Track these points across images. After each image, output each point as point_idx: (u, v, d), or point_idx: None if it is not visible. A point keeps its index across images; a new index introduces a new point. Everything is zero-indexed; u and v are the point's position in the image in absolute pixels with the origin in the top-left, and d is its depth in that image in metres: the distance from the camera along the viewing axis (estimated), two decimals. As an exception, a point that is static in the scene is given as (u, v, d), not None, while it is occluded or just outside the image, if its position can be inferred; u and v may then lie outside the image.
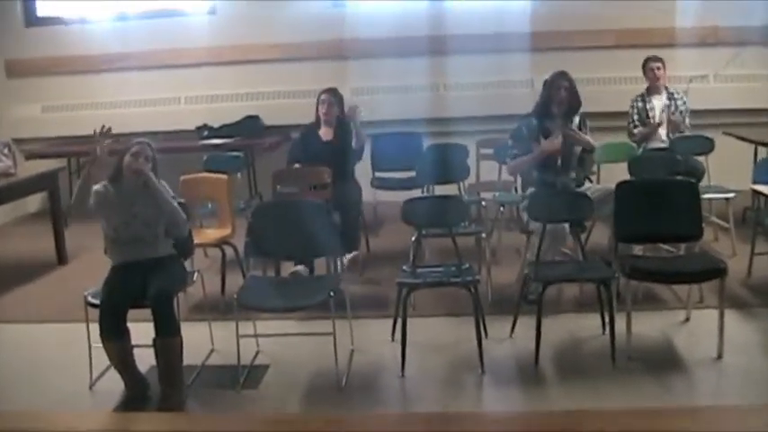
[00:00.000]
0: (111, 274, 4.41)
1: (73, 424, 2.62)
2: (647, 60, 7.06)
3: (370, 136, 7.48)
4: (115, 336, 4.16)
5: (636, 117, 7.00)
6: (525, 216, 5.28)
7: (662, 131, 6.89)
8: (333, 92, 6.45)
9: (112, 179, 4.48)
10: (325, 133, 6.40)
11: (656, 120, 6.89)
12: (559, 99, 5.42)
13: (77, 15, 9.04)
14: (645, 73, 7.06)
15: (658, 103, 6.97)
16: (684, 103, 6.99)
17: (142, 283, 4.27)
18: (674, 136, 6.81)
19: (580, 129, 5.46)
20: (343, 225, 5.48)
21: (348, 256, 5.93)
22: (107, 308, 4.17)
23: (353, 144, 6.32)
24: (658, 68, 6.97)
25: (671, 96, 6.98)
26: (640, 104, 7.01)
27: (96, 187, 4.43)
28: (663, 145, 6.83)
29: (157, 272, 4.35)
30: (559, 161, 5.37)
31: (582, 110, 5.55)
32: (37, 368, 4.75)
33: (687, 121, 6.96)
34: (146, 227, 4.43)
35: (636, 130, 6.95)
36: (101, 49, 8.88)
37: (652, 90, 7.02)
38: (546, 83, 5.52)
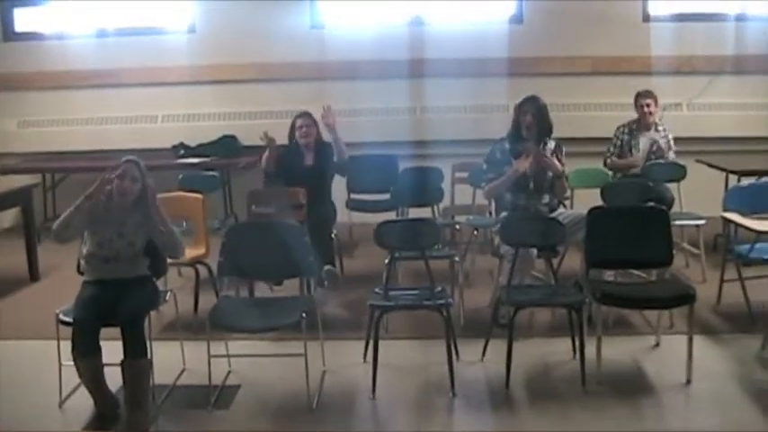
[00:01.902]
0: (84, 291, 4.38)
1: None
2: (638, 96, 7.06)
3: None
4: (88, 353, 4.12)
5: (617, 148, 7.03)
6: (497, 240, 5.32)
7: (640, 165, 6.94)
8: (307, 115, 6.44)
9: (106, 200, 4.46)
10: (307, 158, 6.39)
11: (639, 155, 6.93)
12: (526, 123, 5.51)
13: (56, 31, 9.03)
14: (636, 108, 7.07)
15: (644, 139, 7.00)
16: (669, 141, 7.02)
17: (114, 301, 4.24)
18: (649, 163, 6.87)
19: (554, 154, 5.51)
20: (317, 243, 5.48)
21: (325, 268, 5.93)
22: (80, 325, 4.15)
23: (335, 158, 6.32)
24: (648, 105, 6.97)
25: (657, 135, 7.00)
26: (626, 137, 7.02)
27: (92, 204, 4.43)
28: (636, 171, 6.89)
29: (130, 292, 4.33)
30: (531, 184, 5.42)
31: (557, 135, 5.61)
32: (6, 385, 4.70)
33: (672, 154, 7.01)
34: (128, 246, 4.43)
35: (611, 160, 6.99)
36: (79, 65, 8.87)
37: (641, 126, 7.03)
38: (515, 108, 5.60)
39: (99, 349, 4.16)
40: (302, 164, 6.34)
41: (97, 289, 4.36)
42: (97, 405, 4.27)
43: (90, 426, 4.19)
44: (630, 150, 6.98)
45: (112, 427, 4.17)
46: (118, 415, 4.25)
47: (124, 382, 4.18)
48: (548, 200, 5.53)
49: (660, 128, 7.05)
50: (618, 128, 7.11)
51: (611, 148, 7.06)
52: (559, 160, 5.51)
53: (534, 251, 5.13)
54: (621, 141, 7.03)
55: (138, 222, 4.45)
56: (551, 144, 5.57)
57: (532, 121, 5.49)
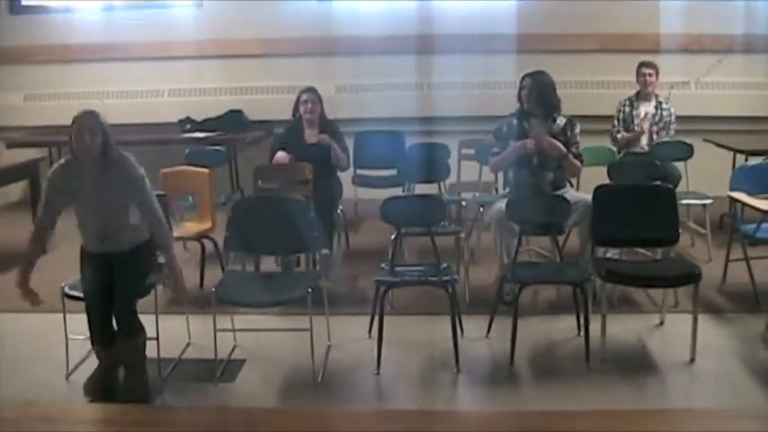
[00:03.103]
0: (86, 269, 4.34)
1: (52, 413, 2.63)
2: (640, 65, 7.08)
3: (352, 133, 7.52)
4: (105, 339, 4.19)
5: (621, 122, 7.03)
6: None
7: (644, 139, 6.94)
8: (313, 91, 6.38)
9: (71, 156, 4.24)
10: (310, 135, 6.31)
11: (641, 127, 6.93)
12: (525, 98, 5.49)
13: (62, 4, 9.01)
14: (637, 77, 7.08)
15: (645, 109, 7.01)
16: (671, 113, 7.02)
17: (112, 274, 4.20)
18: (655, 142, 6.86)
19: (565, 132, 5.46)
20: (321, 220, 5.49)
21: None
22: (94, 312, 4.17)
23: (336, 164, 6.31)
24: (650, 75, 6.99)
25: (659, 105, 7.02)
26: (627, 109, 7.04)
27: (56, 166, 4.28)
28: (642, 151, 6.88)
29: (127, 268, 4.25)
30: (535, 160, 5.39)
31: (566, 113, 5.57)
32: (14, 358, 4.74)
33: (673, 130, 7.00)
34: (109, 208, 4.21)
35: (619, 136, 6.99)
36: (85, 38, 8.85)
37: (641, 96, 7.05)
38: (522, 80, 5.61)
39: (114, 333, 4.20)
40: (306, 140, 6.32)
41: (98, 266, 4.27)
42: (98, 376, 4.30)
43: (89, 388, 4.23)
44: (633, 122, 6.97)
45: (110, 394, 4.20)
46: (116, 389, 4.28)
47: (121, 357, 4.22)
48: (552, 178, 5.48)
49: (664, 104, 7.03)
50: (619, 102, 7.13)
51: (616, 123, 7.06)
52: (568, 140, 5.46)
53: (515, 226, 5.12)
54: (623, 114, 7.05)
55: (110, 177, 4.18)
56: (561, 121, 5.49)
57: (531, 96, 5.45)
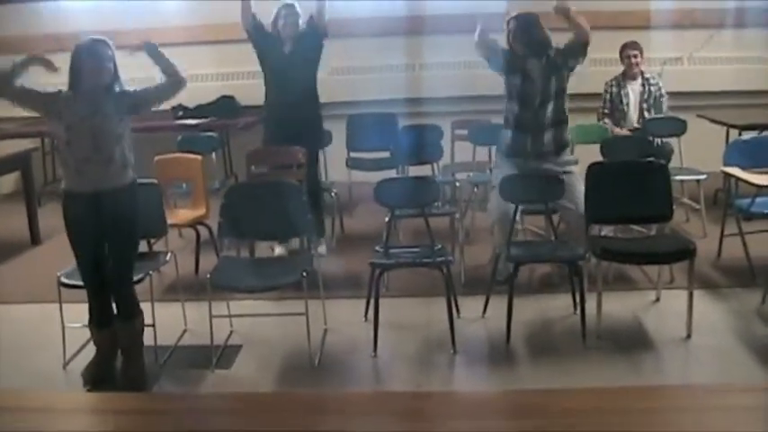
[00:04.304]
0: (74, 220, 4.09)
1: (50, 402, 2.63)
2: (624, 47, 7.08)
3: (344, 116, 7.50)
4: (104, 323, 4.19)
5: (609, 102, 7.04)
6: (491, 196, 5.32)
7: (633, 116, 6.95)
8: (291, 6, 6.20)
9: (72, 86, 4.11)
10: (287, 46, 6.14)
11: (630, 107, 6.97)
12: (511, 40, 5.34)
13: (51, -7, 8.95)
14: (621, 59, 7.08)
15: (633, 89, 7.02)
16: (660, 88, 7.02)
17: (102, 220, 4.04)
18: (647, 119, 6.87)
19: (557, 59, 5.31)
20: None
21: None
22: (94, 295, 4.17)
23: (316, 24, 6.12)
24: (635, 56, 6.99)
25: (646, 82, 7.02)
26: (615, 90, 7.04)
27: (50, 89, 4.16)
28: (635, 126, 6.90)
29: (117, 211, 4.07)
30: (538, 99, 5.26)
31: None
32: (11, 348, 4.74)
33: (665, 106, 7.00)
34: (106, 124, 4.03)
35: (606, 120, 6.99)
36: (75, 27, 8.76)
37: (627, 76, 7.05)
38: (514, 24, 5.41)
39: (113, 317, 4.21)
40: (283, 52, 6.14)
41: (85, 211, 4.03)
42: (96, 364, 4.30)
43: (87, 376, 4.23)
44: (621, 102, 6.98)
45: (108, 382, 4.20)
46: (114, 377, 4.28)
47: (119, 339, 4.23)
48: (551, 109, 5.27)
49: (651, 81, 7.03)
50: (606, 83, 7.13)
51: (603, 104, 7.07)
52: (562, 65, 5.30)
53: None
54: (611, 95, 7.06)
55: (113, 104, 4.09)
56: (552, 53, 5.32)
57: (516, 37, 5.31)
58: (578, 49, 5.27)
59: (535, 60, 5.28)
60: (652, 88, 6.99)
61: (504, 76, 5.35)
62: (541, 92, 5.26)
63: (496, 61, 5.34)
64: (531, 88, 5.24)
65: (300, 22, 6.14)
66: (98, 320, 4.19)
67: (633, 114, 6.99)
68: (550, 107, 5.27)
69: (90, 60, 4.05)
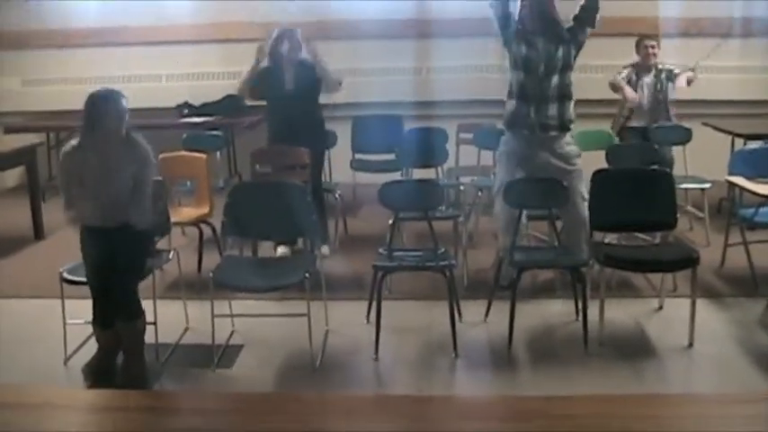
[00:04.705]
0: (86, 247, 4.24)
1: (50, 398, 2.63)
2: (641, 38, 7.09)
3: (350, 118, 7.50)
4: (107, 322, 4.19)
5: (625, 79, 7.05)
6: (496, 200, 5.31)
7: (646, 106, 6.98)
8: (292, 32, 6.18)
9: (86, 133, 4.17)
10: (288, 79, 6.11)
11: (645, 97, 6.97)
12: (526, 17, 5.29)
13: (59, -12, 8.96)
14: (638, 51, 7.08)
15: (647, 81, 7.02)
16: (671, 71, 7.04)
17: (113, 251, 4.13)
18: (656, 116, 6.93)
19: (564, 37, 5.30)
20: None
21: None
22: (98, 295, 4.17)
23: (325, 89, 6.18)
24: (653, 47, 7.00)
25: (658, 74, 7.02)
26: (634, 77, 7.05)
27: (68, 148, 4.23)
28: (641, 124, 6.98)
29: (126, 246, 4.17)
30: (542, 66, 5.22)
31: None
32: (12, 343, 4.74)
33: (684, 80, 7.02)
34: (122, 184, 4.14)
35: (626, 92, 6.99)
36: (83, 23, 8.81)
37: (643, 67, 7.04)
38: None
39: (115, 318, 4.20)
40: (284, 85, 6.10)
41: (98, 242, 4.17)
42: (97, 361, 4.30)
43: (87, 372, 4.23)
44: (637, 91, 7.00)
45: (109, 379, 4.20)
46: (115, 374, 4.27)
47: (121, 338, 4.22)
48: (556, 82, 5.25)
49: (664, 71, 7.06)
50: (625, 68, 7.12)
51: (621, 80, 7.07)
52: (571, 39, 5.30)
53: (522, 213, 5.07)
54: (631, 82, 7.05)
55: (126, 158, 4.16)
56: (566, 33, 5.30)
57: (533, 13, 5.26)
58: (587, 17, 5.33)
59: (542, 36, 5.28)
60: (663, 78, 7.00)
61: (509, 46, 5.34)
62: (546, 61, 5.23)
63: (507, 27, 5.32)
64: (536, 56, 5.22)
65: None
66: (101, 321, 4.19)
67: (646, 104, 6.98)
68: (555, 79, 5.25)
69: (99, 114, 4.13)
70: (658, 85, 7.00)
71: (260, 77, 6.17)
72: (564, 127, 5.28)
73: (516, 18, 5.35)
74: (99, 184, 4.14)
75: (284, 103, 6.06)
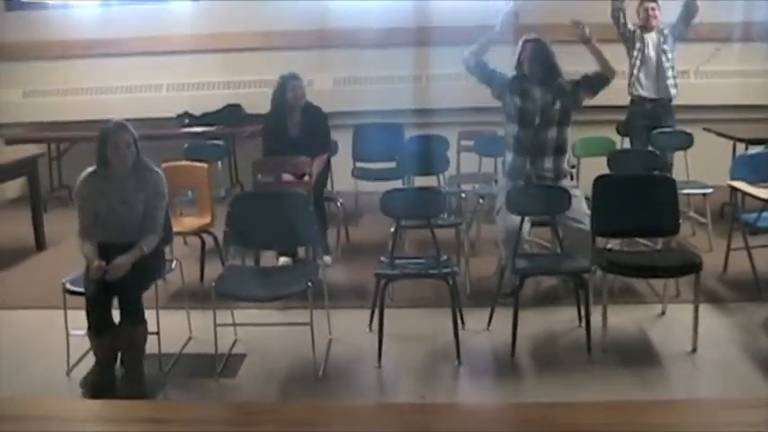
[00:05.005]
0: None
1: (52, 410, 2.62)
2: (641, 1, 7.04)
3: (351, 126, 7.51)
4: (101, 331, 4.15)
5: (632, 41, 7.05)
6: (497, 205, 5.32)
7: (653, 63, 6.98)
8: (299, 77, 6.33)
9: (100, 165, 4.40)
10: (293, 125, 6.26)
11: (652, 52, 6.98)
12: (527, 60, 5.35)
13: (60, 0, 8.98)
14: (638, 13, 7.04)
15: (651, 38, 7.00)
16: (674, 33, 7.03)
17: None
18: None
19: (566, 88, 5.37)
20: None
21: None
22: (91, 303, 4.14)
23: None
24: (653, 9, 6.96)
25: (661, 33, 7.01)
26: (638, 31, 7.02)
27: (85, 175, 4.41)
28: (651, 96, 7.00)
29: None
30: (537, 119, 5.27)
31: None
32: (14, 354, 4.73)
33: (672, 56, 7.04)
34: (133, 213, 4.38)
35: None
36: (83, 34, 8.83)
37: (645, 29, 7.02)
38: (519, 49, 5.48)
39: (112, 325, 4.18)
40: (290, 135, 6.25)
41: (107, 253, 4.28)
42: (93, 372, 4.27)
43: (86, 384, 4.21)
44: (643, 50, 6.98)
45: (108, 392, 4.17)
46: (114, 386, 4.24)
47: (121, 347, 4.21)
48: (553, 135, 5.31)
49: (666, 31, 7.04)
50: (627, 25, 7.09)
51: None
52: (570, 95, 5.36)
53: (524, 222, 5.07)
54: (635, 33, 7.03)
55: (139, 183, 4.41)
56: (565, 82, 5.40)
57: (534, 58, 5.34)
58: (599, 83, 5.37)
59: (540, 86, 5.30)
60: (668, 38, 6.99)
61: (503, 98, 5.36)
62: (542, 112, 5.28)
63: (493, 80, 5.44)
64: (532, 107, 5.28)
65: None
66: (98, 328, 4.16)
67: (653, 62, 6.98)
68: (552, 132, 5.29)
69: (113, 148, 4.35)
70: (662, 39, 6.96)
71: (264, 127, 6.36)
72: (559, 178, 5.35)
73: (515, 61, 5.45)
74: (112, 212, 4.37)
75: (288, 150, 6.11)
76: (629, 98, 7.14)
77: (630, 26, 7.03)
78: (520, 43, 5.46)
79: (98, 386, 4.18)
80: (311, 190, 5.78)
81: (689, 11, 6.85)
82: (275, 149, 6.19)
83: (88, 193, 4.39)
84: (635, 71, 7.03)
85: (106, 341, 4.18)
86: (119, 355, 4.28)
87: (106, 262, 4.17)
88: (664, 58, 6.98)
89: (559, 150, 5.34)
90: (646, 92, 7.00)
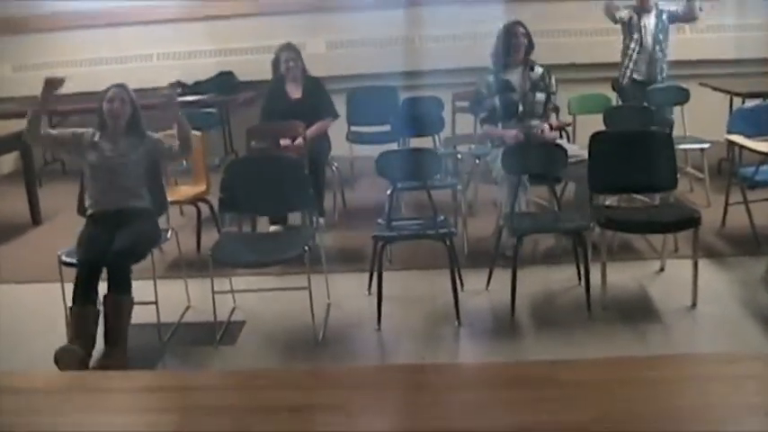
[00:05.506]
0: (86, 228, 4.41)
1: (52, 382, 2.62)
2: None
3: (344, 90, 7.45)
4: (80, 302, 4.11)
5: (628, 27, 7.01)
6: (494, 168, 5.30)
7: (650, 45, 6.93)
8: (291, 47, 6.34)
9: (100, 128, 4.58)
10: (293, 90, 6.28)
11: (649, 38, 6.91)
12: (515, 48, 5.45)
13: (46, -29, 8.89)
14: None
15: (648, 21, 6.94)
16: (671, 17, 7.00)
17: (114, 234, 4.30)
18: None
19: (544, 79, 5.46)
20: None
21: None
22: (83, 273, 4.13)
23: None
24: None
25: (659, 14, 6.96)
26: (635, 18, 6.97)
27: (84, 131, 4.59)
28: (643, 78, 6.94)
29: (129, 226, 4.35)
30: (521, 107, 5.34)
31: (559, 61, 5.52)
32: (11, 329, 4.72)
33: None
34: (130, 174, 4.51)
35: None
36: (72, 6, 8.74)
37: (643, 9, 6.96)
38: (502, 31, 5.56)
39: (95, 298, 4.15)
40: (290, 98, 6.26)
41: (98, 225, 4.39)
42: (73, 341, 4.11)
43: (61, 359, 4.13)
44: (640, 32, 6.92)
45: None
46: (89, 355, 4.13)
47: (105, 317, 4.16)
48: (537, 122, 5.42)
49: (664, 12, 7.00)
50: (625, 7, 7.06)
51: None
52: (548, 89, 5.47)
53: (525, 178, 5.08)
54: (631, 19, 6.98)
55: (133, 143, 4.57)
56: (538, 70, 5.50)
57: (523, 45, 5.46)
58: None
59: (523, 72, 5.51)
60: (664, 16, 6.94)
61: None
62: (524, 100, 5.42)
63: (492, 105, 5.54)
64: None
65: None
66: (84, 294, 4.10)
67: (650, 44, 6.92)
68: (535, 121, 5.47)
69: (109, 101, 4.58)
70: (659, 25, 6.91)
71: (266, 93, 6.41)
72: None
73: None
74: (111, 172, 4.50)
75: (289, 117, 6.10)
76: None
77: (625, 14, 6.98)
78: (504, 27, 5.56)
79: (73, 361, 3.98)
80: (306, 153, 5.74)
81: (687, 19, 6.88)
82: (274, 117, 6.20)
83: (84, 138, 4.56)
84: (631, 63, 6.99)
85: (90, 308, 4.13)
86: (95, 336, 4.19)
87: (106, 233, 4.28)
88: (658, 48, 6.94)
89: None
90: (640, 76, 6.96)
